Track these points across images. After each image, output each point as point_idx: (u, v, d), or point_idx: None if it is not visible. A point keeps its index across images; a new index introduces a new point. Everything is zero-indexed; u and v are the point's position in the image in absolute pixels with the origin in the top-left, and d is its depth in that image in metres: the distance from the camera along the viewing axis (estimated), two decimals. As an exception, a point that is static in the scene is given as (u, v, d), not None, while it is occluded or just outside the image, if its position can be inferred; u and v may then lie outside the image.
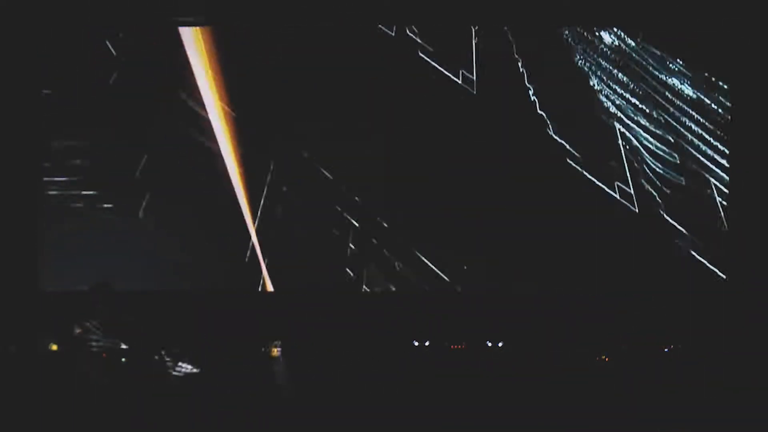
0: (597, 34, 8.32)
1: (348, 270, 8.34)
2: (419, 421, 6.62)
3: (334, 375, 7.18)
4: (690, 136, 8.27)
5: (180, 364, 6.97)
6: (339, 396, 6.87)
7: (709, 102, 8.26)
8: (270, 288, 8.40)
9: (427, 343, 7.87)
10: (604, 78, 8.33)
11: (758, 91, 8.05)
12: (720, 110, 8.23)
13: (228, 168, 8.36)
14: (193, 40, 8.27)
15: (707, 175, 8.22)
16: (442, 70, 8.29)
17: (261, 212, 8.39)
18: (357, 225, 8.31)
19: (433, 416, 6.65)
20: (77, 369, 6.87)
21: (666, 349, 7.14)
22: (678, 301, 7.58)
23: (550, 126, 8.26)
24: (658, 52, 8.25)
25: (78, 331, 7.29)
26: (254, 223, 8.38)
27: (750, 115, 8.08)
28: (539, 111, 8.26)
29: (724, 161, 8.20)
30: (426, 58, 8.28)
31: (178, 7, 8.18)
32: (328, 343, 7.69)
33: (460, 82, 8.28)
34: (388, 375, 7.23)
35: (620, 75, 8.33)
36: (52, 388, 6.70)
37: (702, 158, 8.25)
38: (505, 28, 8.26)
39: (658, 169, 8.25)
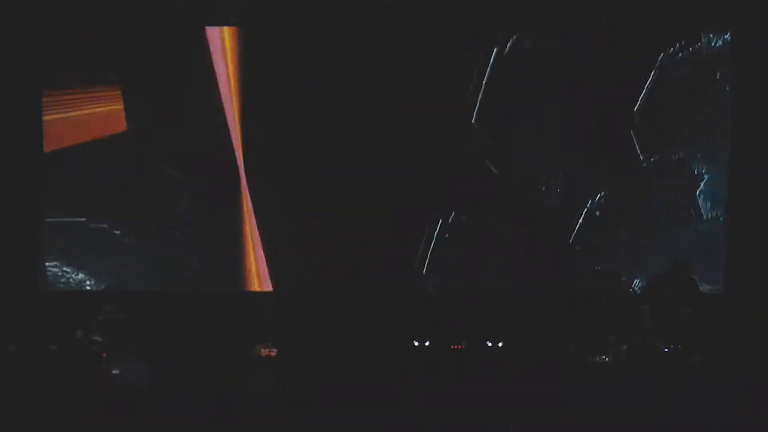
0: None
1: (348, 270, 8.36)
2: (419, 420, 6.62)
3: (334, 375, 7.18)
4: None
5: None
6: (339, 396, 6.86)
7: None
8: (269, 288, 8.41)
9: (427, 343, 7.87)
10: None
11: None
12: None
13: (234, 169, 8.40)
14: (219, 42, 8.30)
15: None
16: None
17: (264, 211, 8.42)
18: (355, 225, 8.32)
19: (434, 416, 6.65)
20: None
21: (666, 349, 7.14)
22: (678, 302, 7.57)
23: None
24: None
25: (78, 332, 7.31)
26: (256, 222, 8.41)
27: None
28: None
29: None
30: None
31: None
32: (328, 343, 7.69)
33: None
34: (388, 375, 7.22)
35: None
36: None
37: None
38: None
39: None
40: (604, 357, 7.11)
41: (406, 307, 8.13)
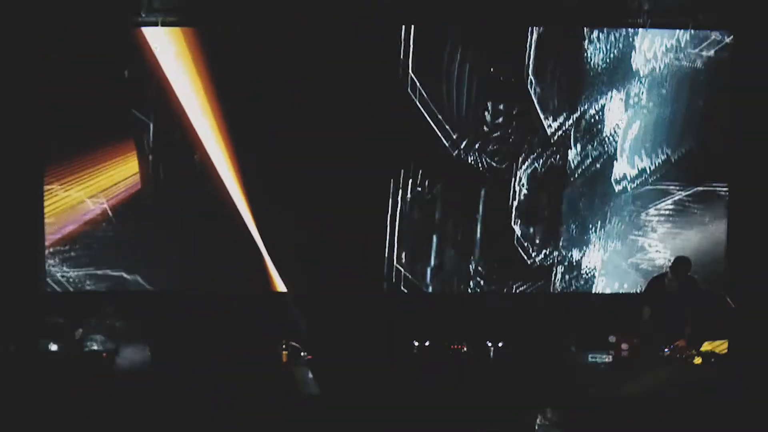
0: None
1: (348, 270, 8.36)
2: (419, 421, 6.62)
3: (333, 375, 7.19)
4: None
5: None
6: (338, 396, 6.87)
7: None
8: (269, 289, 8.42)
9: (427, 343, 7.88)
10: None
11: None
12: None
13: (229, 169, 8.38)
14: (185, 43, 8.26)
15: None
16: None
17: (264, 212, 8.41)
18: (356, 224, 8.33)
19: (433, 416, 6.65)
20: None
21: (666, 349, 7.15)
22: (680, 301, 7.57)
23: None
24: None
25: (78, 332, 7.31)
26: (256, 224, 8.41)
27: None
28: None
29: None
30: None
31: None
32: (328, 343, 7.70)
33: None
34: (388, 375, 7.23)
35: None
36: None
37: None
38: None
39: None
40: (604, 357, 7.12)
41: (407, 307, 8.14)
